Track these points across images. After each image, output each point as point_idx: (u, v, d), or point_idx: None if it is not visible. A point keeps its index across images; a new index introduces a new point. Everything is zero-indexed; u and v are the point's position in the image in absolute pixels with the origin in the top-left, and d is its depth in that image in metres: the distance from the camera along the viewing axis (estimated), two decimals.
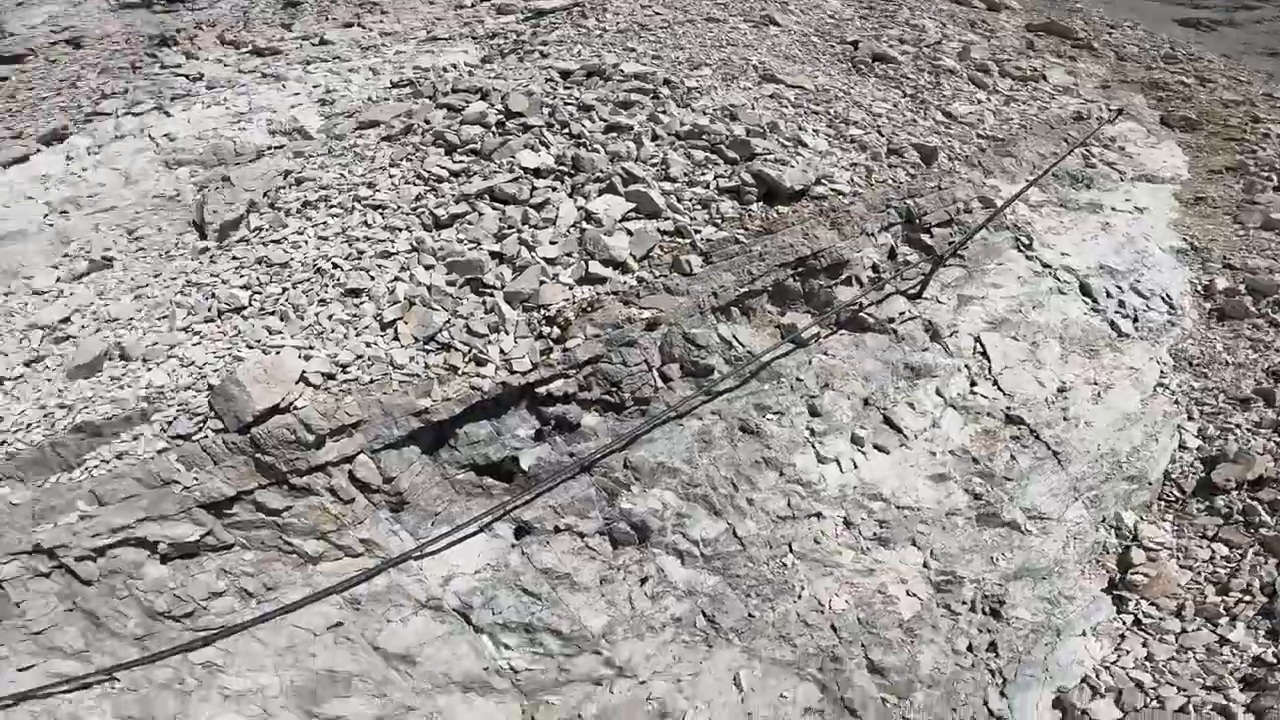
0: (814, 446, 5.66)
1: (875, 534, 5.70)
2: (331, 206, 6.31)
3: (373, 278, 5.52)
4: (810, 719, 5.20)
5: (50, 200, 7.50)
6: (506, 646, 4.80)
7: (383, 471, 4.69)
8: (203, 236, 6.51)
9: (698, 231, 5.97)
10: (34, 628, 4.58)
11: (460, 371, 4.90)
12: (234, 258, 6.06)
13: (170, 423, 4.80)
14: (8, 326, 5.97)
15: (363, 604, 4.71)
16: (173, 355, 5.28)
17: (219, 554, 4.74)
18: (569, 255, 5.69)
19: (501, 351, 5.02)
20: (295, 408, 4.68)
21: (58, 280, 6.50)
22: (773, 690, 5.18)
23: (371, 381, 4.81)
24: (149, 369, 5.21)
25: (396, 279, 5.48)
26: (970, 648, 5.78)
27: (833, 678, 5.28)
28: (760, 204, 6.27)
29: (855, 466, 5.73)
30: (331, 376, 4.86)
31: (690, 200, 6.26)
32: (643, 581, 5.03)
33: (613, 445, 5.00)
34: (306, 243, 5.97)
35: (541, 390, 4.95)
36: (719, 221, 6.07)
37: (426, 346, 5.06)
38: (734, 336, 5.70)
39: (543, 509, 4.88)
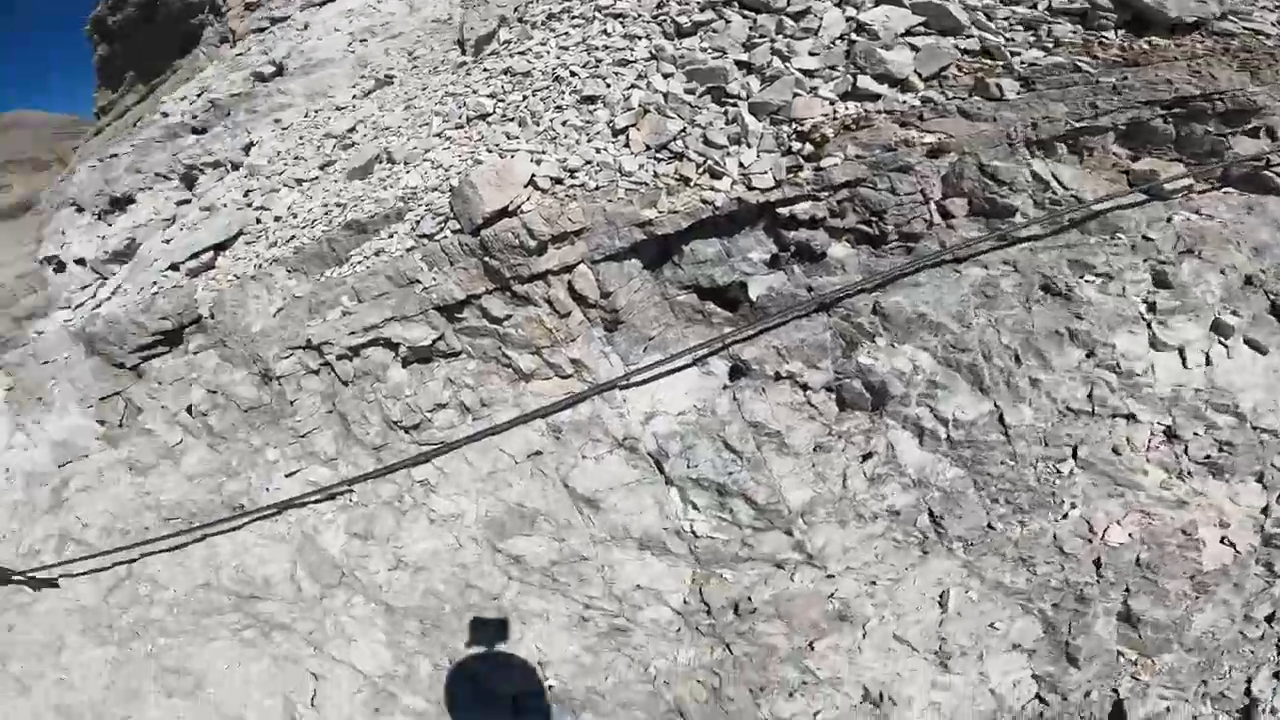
0: (1150, 327, 3.88)
1: (1208, 457, 3.93)
2: (574, 17, 5.61)
3: (608, 85, 4.80)
4: (1013, 656, 4.10)
5: (353, 31, 7.78)
6: (694, 506, 4.19)
7: (601, 284, 4.11)
8: (463, 52, 6.23)
9: (1016, 54, 4.19)
10: (301, 430, 4.91)
11: (692, 183, 4.01)
12: (485, 69, 5.73)
13: (419, 222, 4.71)
14: (311, 136, 6.35)
15: (563, 433, 4.36)
16: (427, 159, 5.18)
17: (448, 361, 4.66)
18: (832, 69, 4.34)
19: (741, 165, 4.01)
20: (522, 211, 4.23)
21: (352, 97, 6.75)
22: (982, 618, 4.08)
23: (598, 188, 4.17)
24: (407, 171, 5.16)
25: (632, 86, 4.69)
26: (1271, 618, 4.16)
27: (1068, 620, 4.05)
28: (1121, 32, 4.22)
29: (1208, 363, 3.87)
30: (559, 181, 4.33)
31: (1006, 19, 4.43)
32: (865, 458, 3.97)
33: (863, 283, 3.81)
34: (548, 53, 5.40)
35: (783, 211, 3.88)
36: (1050, 45, 4.21)
37: (658, 155, 4.25)
38: (1053, 175, 3.97)
39: (765, 348, 3.96)
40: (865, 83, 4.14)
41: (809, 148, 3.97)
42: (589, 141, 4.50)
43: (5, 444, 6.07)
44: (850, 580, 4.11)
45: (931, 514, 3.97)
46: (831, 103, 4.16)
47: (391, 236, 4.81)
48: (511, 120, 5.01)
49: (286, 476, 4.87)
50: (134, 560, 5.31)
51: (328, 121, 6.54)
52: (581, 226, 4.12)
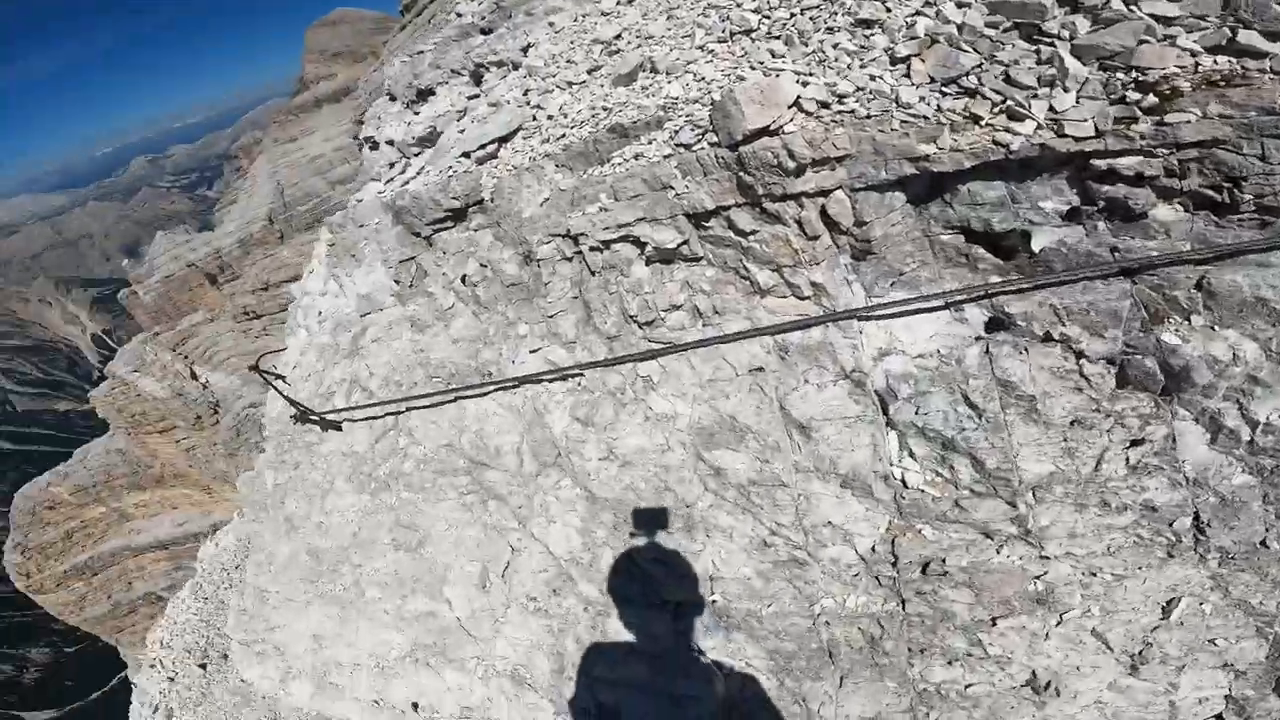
0: None
1: None
2: None
3: (889, 10, 4.30)
4: (1216, 674, 3.64)
5: None
6: (911, 455, 3.94)
7: (857, 213, 3.85)
8: None
9: None
10: (549, 310, 5.21)
11: (984, 123, 3.52)
12: None
13: (677, 131, 4.70)
14: (580, 41, 6.48)
15: (790, 354, 4.25)
16: (689, 71, 5.06)
17: (688, 265, 4.71)
18: (1200, 18, 3.42)
19: (1052, 109, 3.42)
20: (784, 132, 4.03)
21: (617, 4, 6.72)
22: (1206, 632, 3.58)
23: (869, 117, 3.83)
24: (669, 81, 5.10)
25: (918, 14, 4.15)
26: None
27: None
28: None
29: None
30: (826, 105, 4.03)
31: None
32: (1133, 444, 3.44)
33: (1194, 253, 3.15)
34: None
35: (1100, 163, 3.27)
36: None
37: (944, 89, 3.76)
38: None
39: (1040, 305, 3.50)
40: (1249, 38, 3.24)
41: (1150, 99, 3.26)
42: (862, 67, 4.11)
43: (320, 290, 7.34)
44: (1066, 566, 3.71)
45: (1196, 518, 3.40)
46: (1193, 55, 3.32)
47: (650, 143, 4.87)
48: (777, 38, 4.71)
49: (531, 352, 5.35)
50: (400, 413, 6.08)
51: (594, 27, 6.61)
52: (845, 153, 3.85)
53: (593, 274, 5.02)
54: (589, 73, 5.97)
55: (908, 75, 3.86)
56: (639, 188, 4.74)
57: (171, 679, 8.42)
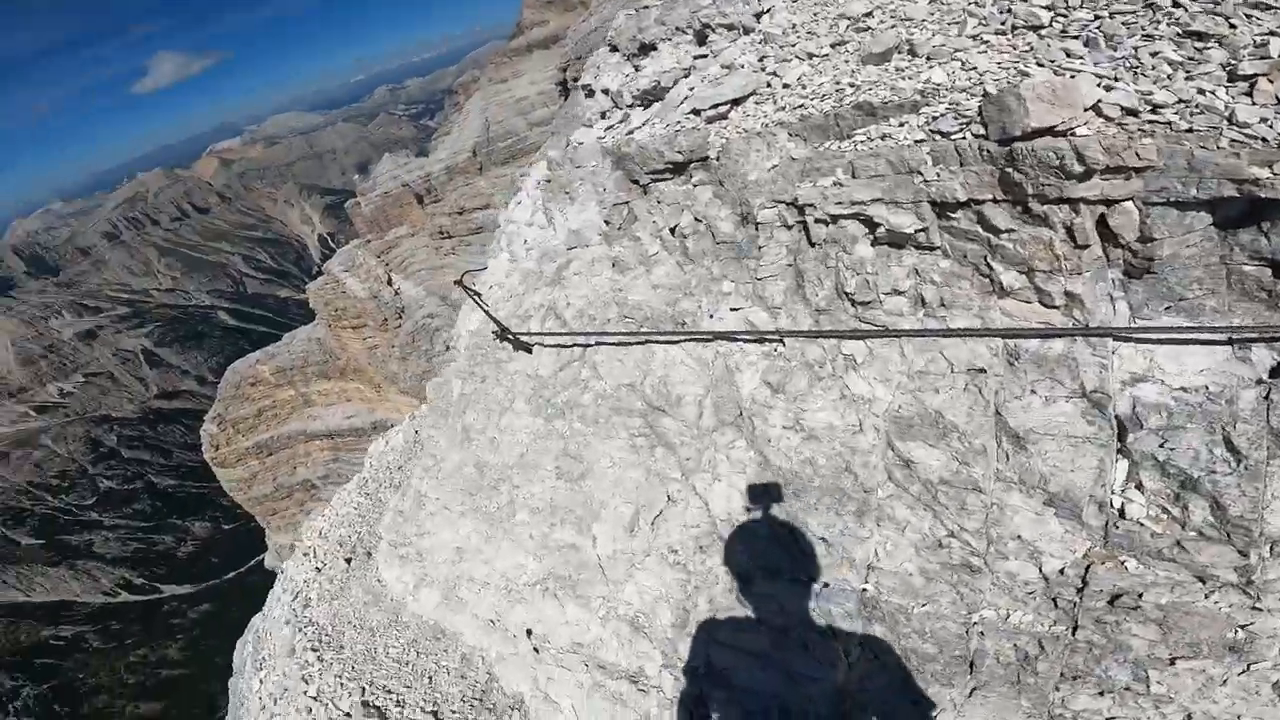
0: None
1: None
2: None
3: (1233, 26, 3.87)
4: None
5: None
6: (1138, 487, 3.66)
7: (1145, 228, 3.59)
8: None
9: None
10: (759, 273, 5.12)
11: None
12: None
13: (936, 118, 4.52)
14: (823, 14, 6.30)
15: (1019, 362, 4.04)
16: (956, 59, 4.83)
17: (920, 253, 4.55)
18: None
19: None
20: (1073, 134, 3.77)
21: None
22: None
23: (1189, 130, 3.51)
24: (931, 67, 4.90)
25: (1272, 34, 3.69)
26: None
27: None
28: None
29: None
30: (1134, 113, 3.74)
31: None
32: None
33: None
34: None
35: None
36: None
37: None
38: None
39: None
40: None
41: None
42: (1188, 79, 3.77)
43: (527, 220, 7.69)
44: (1273, 620, 3.43)
45: None
46: None
47: (901, 125, 4.72)
48: (1074, 38, 4.39)
49: (731, 310, 5.36)
50: (590, 346, 6.13)
51: (841, 1, 6.40)
52: (1148, 165, 3.57)
53: (812, 245, 4.98)
54: (832, 46, 5.82)
55: (1249, 94, 3.50)
56: (881, 168, 4.62)
57: (319, 569, 8.29)
